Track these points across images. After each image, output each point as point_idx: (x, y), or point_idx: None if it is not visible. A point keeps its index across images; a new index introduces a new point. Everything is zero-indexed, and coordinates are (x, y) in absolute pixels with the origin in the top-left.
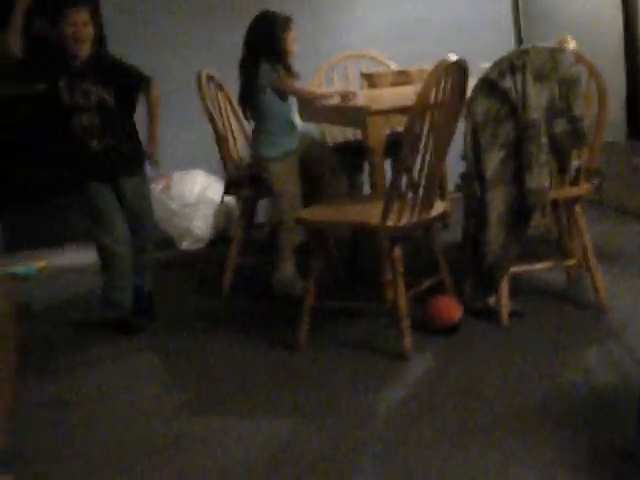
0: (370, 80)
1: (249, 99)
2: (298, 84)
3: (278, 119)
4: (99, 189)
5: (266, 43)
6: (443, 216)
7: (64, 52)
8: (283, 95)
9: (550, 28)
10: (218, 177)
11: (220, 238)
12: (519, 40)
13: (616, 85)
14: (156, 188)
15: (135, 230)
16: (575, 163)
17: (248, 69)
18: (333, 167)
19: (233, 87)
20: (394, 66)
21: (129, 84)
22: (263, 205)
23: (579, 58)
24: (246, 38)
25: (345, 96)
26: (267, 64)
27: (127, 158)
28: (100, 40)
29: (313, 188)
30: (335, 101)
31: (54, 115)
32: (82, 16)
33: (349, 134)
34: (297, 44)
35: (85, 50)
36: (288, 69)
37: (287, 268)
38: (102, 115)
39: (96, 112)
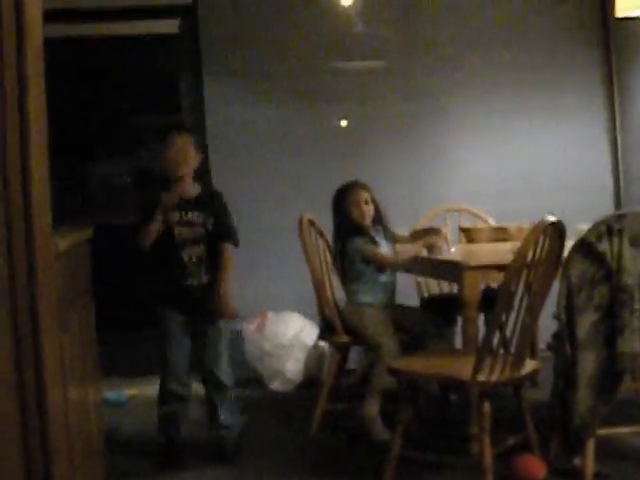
0: (468, 235)
1: (344, 268)
2: (381, 254)
3: (372, 278)
4: (179, 324)
5: (339, 223)
6: (533, 374)
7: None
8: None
9: None
10: (312, 320)
11: (311, 381)
12: (618, 203)
13: None
14: (250, 327)
15: (205, 375)
16: None
17: (338, 248)
18: (426, 326)
19: (330, 229)
20: (492, 222)
21: (217, 228)
22: (355, 350)
23: None
24: None
25: (430, 249)
26: (349, 242)
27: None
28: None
29: (407, 341)
30: (423, 253)
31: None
32: (182, 137)
33: (444, 286)
34: (366, 205)
35: (187, 174)
36: (370, 237)
37: (372, 407)
38: (208, 248)
39: (203, 245)
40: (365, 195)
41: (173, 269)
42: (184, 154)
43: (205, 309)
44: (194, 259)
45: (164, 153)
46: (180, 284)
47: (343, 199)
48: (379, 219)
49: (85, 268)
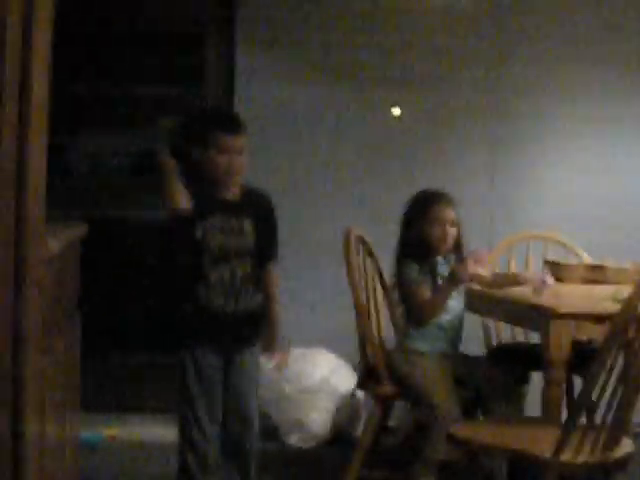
0: (556, 271)
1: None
2: (422, 299)
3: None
4: (210, 361)
5: (406, 242)
6: (626, 458)
7: (211, 183)
8: None
9: None
10: (348, 362)
11: (340, 438)
12: None
13: None
14: (268, 364)
15: (233, 418)
16: None
17: (395, 260)
18: (493, 382)
19: (385, 255)
20: (586, 257)
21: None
22: (399, 406)
23: None
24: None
25: (537, 286)
26: (408, 262)
27: (255, 323)
28: None
29: (467, 400)
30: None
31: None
32: (239, 142)
33: (519, 333)
34: (451, 228)
35: (237, 184)
36: (432, 268)
37: None
38: (252, 265)
39: (248, 260)
40: (452, 214)
41: (199, 291)
42: (241, 162)
43: (244, 337)
44: (232, 277)
45: (211, 156)
46: (210, 312)
47: (424, 213)
48: (457, 247)
49: (74, 276)
